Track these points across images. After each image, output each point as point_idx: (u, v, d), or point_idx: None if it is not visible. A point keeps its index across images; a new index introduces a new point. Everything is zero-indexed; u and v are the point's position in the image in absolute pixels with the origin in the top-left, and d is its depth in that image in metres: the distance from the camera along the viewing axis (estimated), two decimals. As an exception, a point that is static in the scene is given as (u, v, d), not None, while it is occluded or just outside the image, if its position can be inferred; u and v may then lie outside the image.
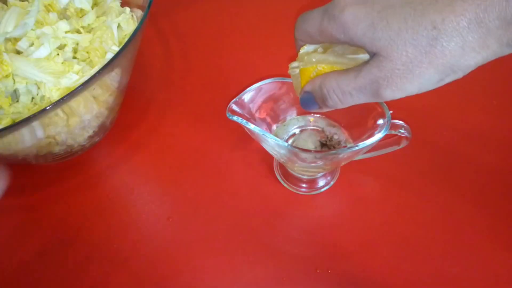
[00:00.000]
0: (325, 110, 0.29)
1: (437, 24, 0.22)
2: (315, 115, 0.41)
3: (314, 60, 0.28)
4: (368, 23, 0.23)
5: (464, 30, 0.22)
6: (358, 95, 0.26)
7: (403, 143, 0.38)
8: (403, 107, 0.47)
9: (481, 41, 0.22)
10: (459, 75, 0.24)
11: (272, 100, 0.39)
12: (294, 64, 0.30)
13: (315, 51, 0.28)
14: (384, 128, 0.33)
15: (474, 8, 0.21)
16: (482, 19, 0.21)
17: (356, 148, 0.33)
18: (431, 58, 0.23)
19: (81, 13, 0.46)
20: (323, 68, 0.27)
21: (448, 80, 0.24)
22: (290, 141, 0.40)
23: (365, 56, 0.26)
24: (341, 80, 0.26)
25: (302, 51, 0.29)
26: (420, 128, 0.44)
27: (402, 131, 0.36)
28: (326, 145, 0.39)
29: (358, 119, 0.38)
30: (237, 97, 0.37)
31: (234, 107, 0.36)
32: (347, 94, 0.26)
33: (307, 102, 0.29)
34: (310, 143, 0.39)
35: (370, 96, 0.25)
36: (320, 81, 0.27)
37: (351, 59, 0.27)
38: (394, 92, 0.24)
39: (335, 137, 0.39)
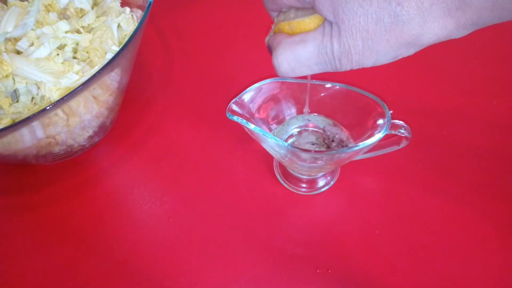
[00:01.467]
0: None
1: (402, 1, 0.22)
2: (315, 114, 0.41)
3: (277, 21, 0.28)
4: None
5: (426, 11, 0.22)
6: (317, 68, 0.26)
7: (403, 143, 0.38)
8: (403, 107, 0.47)
9: (440, 22, 0.22)
10: (411, 52, 0.24)
11: (272, 100, 0.39)
12: (268, 36, 0.30)
13: (281, 13, 0.28)
14: (384, 128, 0.33)
15: None
16: (444, 0, 0.21)
17: (356, 148, 0.33)
18: (390, 36, 0.23)
19: (81, 13, 0.46)
20: (283, 25, 0.27)
21: (401, 56, 0.24)
22: (290, 141, 0.40)
23: None
24: (300, 52, 0.25)
25: (275, 20, 0.29)
26: (420, 128, 0.44)
27: (402, 131, 0.36)
28: (327, 145, 0.39)
29: (358, 119, 0.38)
30: (237, 97, 0.37)
31: (234, 107, 0.36)
32: (306, 67, 0.26)
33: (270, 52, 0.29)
34: (311, 143, 0.39)
35: (328, 68, 0.25)
36: (272, 46, 0.27)
37: (308, 10, 0.26)
38: (352, 65, 0.25)
39: (337, 136, 0.39)
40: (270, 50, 0.28)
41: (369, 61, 0.24)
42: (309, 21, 0.26)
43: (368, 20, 0.22)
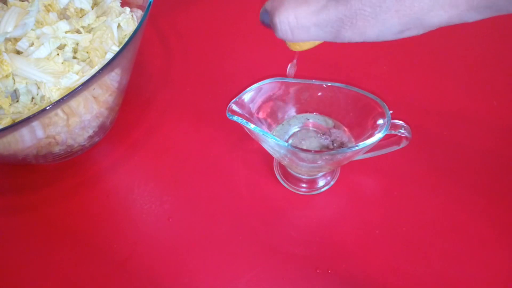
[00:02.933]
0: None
1: None
2: (316, 114, 0.41)
3: None
4: None
5: None
6: (316, 31, 0.24)
7: (403, 143, 0.38)
8: (403, 107, 0.47)
9: None
10: (419, 31, 0.23)
11: (272, 100, 0.39)
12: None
13: None
14: (384, 128, 0.33)
15: None
16: None
17: (356, 148, 0.33)
18: (399, 7, 0.22)
19: (81, 13, 0.46)
20: None
21: (406, 34, 0.23)
22: (290, 141, 0.40)
23: None
24: (301, 12, 0.24)
25: None
26: (420, 128, 0.44)
27: (402, 131, 0.36)
28: (328, 146, 0.39)
29: (358, 119, 0.38)
30: (237, 97, 0.37)
31: (234, 107, 0.36)
32: (304, 28, 0.24)
33: (264, 19, 0.27)
34: (312, 143, 0.39)
35: (328, 34, 0.24)
36: (273, 6, 0.25)
37: None
38: (354, 35, 0.23)
39: (338, 139, 0.39)
40: (264, 18, 0.27)
41: (372, 32, 0.23)
42: None
43: None
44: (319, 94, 0.39)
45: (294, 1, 0.25)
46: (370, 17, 0.23)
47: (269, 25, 0.27)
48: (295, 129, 0.41)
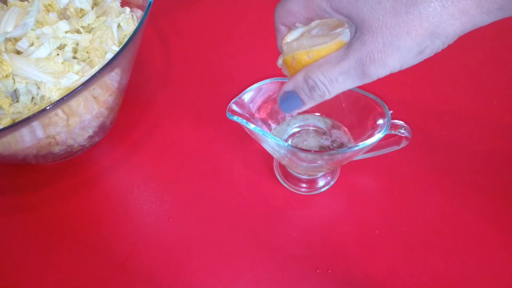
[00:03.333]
0: (308, 106, 0.28)
1: None
2: (315, 114, 0.41)
3: (291, 49, 0.28)
4: None
5: None
6: (344, 79, 0.25)
7: (403, 143, 0.38)
8: (403, 107, 0.47)
9: (460, 5, 0.22)
10: (438, 45, 0.23)
11: (272, 100, 0.39)
12: (280, 59, 0.30)
13: (293, 40, 0.28)
14: (384, 128, 0.33)
15: None
16: None
17: (356, 148, 0.33)
18: (409, 28, 0.22)
19: (81, 13, 0.46)
20: (300, 54, 0.27)
21: (428, 52, 0.24)
22: (290, 141, 0.40)
23: (340, 31, 0.26)
24: (324, 67, 0.25)
25: (283, 42, 0.29)
26: (420, 128, 0.44)
27: (402, 131, 0.36)
28: (328, 146, 0.39)
29: (358, 119, 0.38)
30: (237, 97, 0.37)
31: (234, 107, 0.36)
32: (334, 81, 0.25)
33: (289, 101, 0.28)
34: (311, 143, 0.39)
35: (356, 77, 0.25)
36: (303, 75, 0.26)
37: (325, 37, 0.26)
38: (378, 68, 0.24)
39: (338, 139, 0.39)
40: (284, 102, 0.28)
41: (393, 60, 0.23)
42: (329, 49, 0.26)
43: (386, 15, 0.22)
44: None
45: (316, 63, 0.26)
46: (384, 47, 0.23)
47: (294, 105, 0.28)
48: (295, 129, 0.41)
